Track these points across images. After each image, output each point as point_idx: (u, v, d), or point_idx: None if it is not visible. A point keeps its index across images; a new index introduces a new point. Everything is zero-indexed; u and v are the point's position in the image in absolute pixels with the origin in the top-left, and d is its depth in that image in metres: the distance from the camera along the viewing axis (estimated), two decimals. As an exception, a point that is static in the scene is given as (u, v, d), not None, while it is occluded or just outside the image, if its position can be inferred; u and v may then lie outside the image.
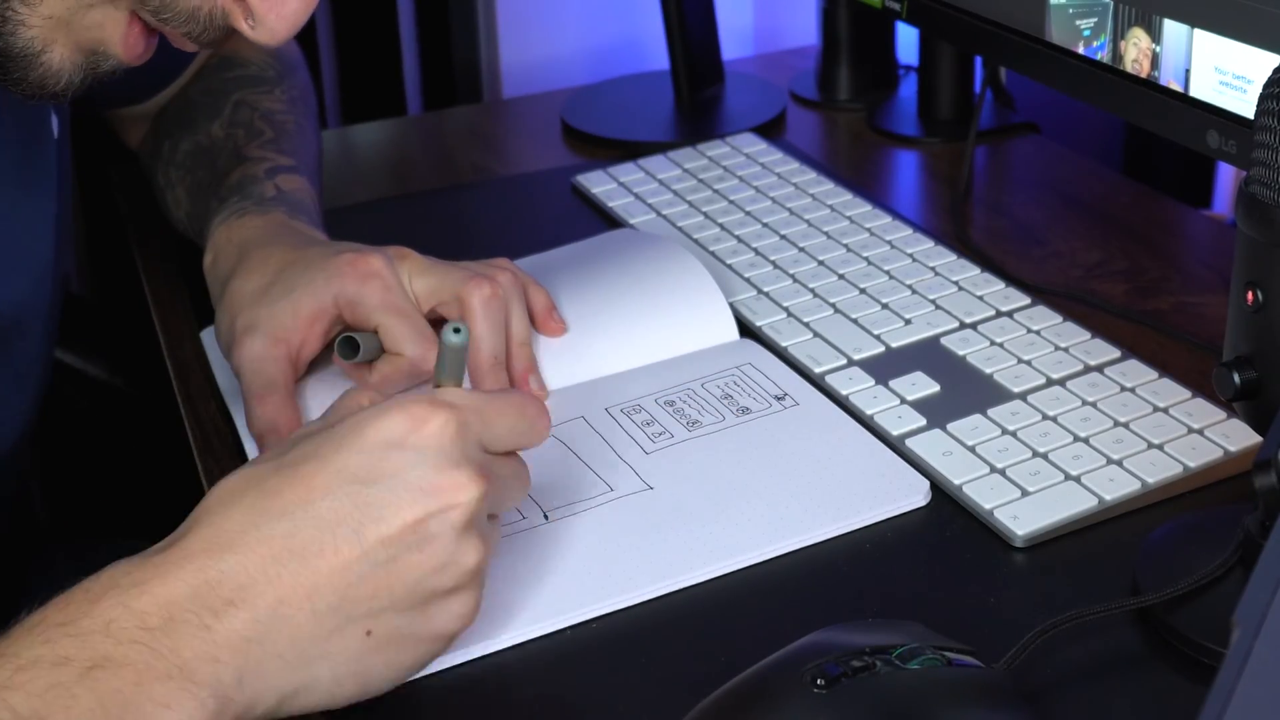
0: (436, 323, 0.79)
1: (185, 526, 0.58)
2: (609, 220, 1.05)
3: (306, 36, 1.49)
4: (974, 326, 0.86)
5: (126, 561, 0.56)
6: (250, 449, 0.77)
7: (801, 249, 0.97)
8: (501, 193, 1.13)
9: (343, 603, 0.57)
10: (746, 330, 0.88)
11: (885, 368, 0.83)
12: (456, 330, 0.61)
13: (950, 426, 0.76)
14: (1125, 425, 0.75)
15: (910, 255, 0.95)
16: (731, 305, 0.88)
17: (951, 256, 0.94)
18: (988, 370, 0.81)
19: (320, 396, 0.79)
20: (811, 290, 0.92)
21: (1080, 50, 0.87)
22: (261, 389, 0.76)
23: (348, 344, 0.77)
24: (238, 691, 0.55)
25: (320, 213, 0.91)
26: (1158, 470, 0.72)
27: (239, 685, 0.55)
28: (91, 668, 0.52)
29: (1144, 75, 0.82)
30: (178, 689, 0.53)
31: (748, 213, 1.03)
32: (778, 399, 0.80)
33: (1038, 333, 0.85)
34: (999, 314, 0.87)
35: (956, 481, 0.72)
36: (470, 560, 0.59)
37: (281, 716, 0.58)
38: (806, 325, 0.88)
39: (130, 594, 0.54)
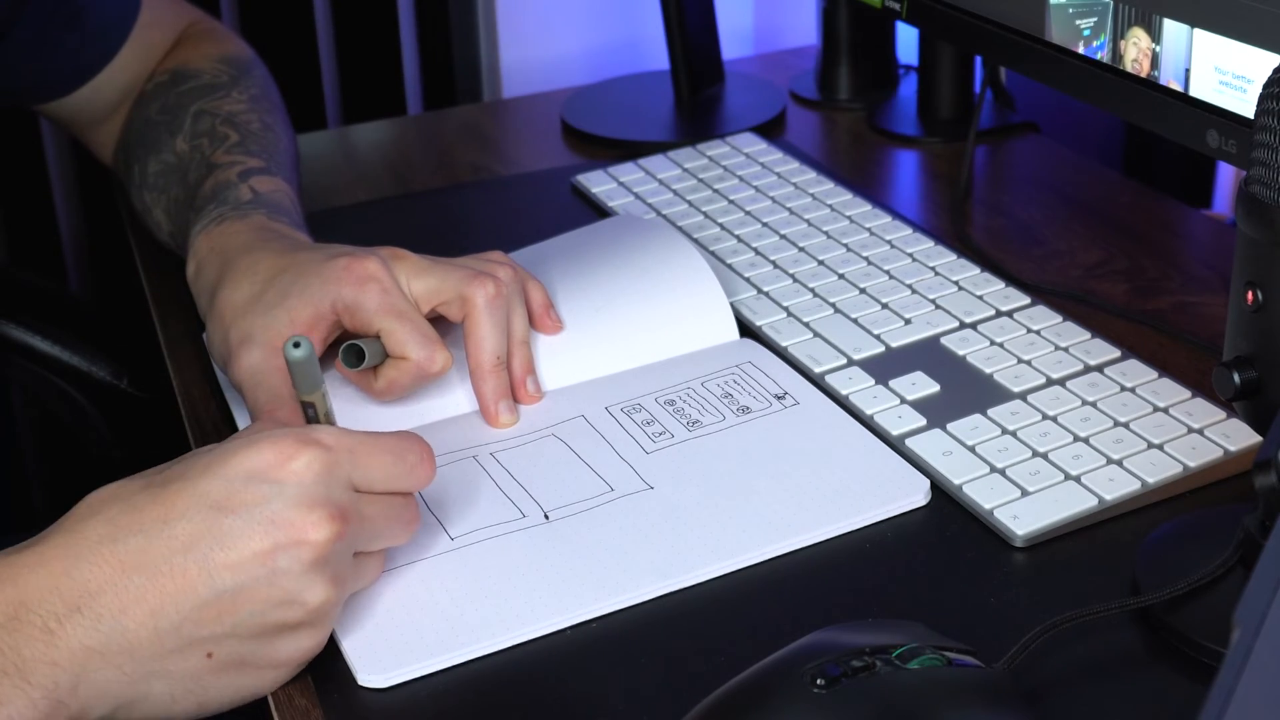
0: (437, 323, 0.78)
1: (50, 530, 0.59)
2: (609, 220, 1.05)
3: (307, 36, 1.49)
4: (974, 326, 0.86)
5: None
6: None
7: (801, 249, 0.97)
8: (501, 193, 1.13)
9: (184, 623, 0.58)
10: (747, 330, 0.88)
11: (885, 367, 0.83)
12: (296, 345, 0.63)
13: (950, 426, 0.76)
14: (1125, 425, 0.75)
15: (910, 255, 0.95)
16: (732, 305, 0.88)
17: (951, 256, 0.94)
18: (988, 370, 0.81)
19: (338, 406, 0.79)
20: (811, 290, 0.92)
21: (1080, 50, 0.87)
22: (268, 402, 0.75)
23: (352, 351, 0.76)
24: (72, 697, 0.57)
25: (300, 211, 0.90)
26: (1158, 470, 0.72)
27: (74, 691, 0.57)
28: None
29: (1144, 75, 0.82)
30: (11, 687, 0.55)
31: (748, 212, 1.03)
32: (778, 398, 0.80)
33: (1038, 332, 0.85)
34: (999, 314, 0.87)
35: (956, 481, 0.72)
36: (315, 599, 0.60)
37: None
38: (806, 325, 0.88)
39: None
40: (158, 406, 1.11)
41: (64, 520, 0.59)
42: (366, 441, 0.62)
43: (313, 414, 0.66)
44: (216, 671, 0.59)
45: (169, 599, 0.58)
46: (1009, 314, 0.87)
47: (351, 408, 0.79)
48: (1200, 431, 0.75)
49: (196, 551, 0.58)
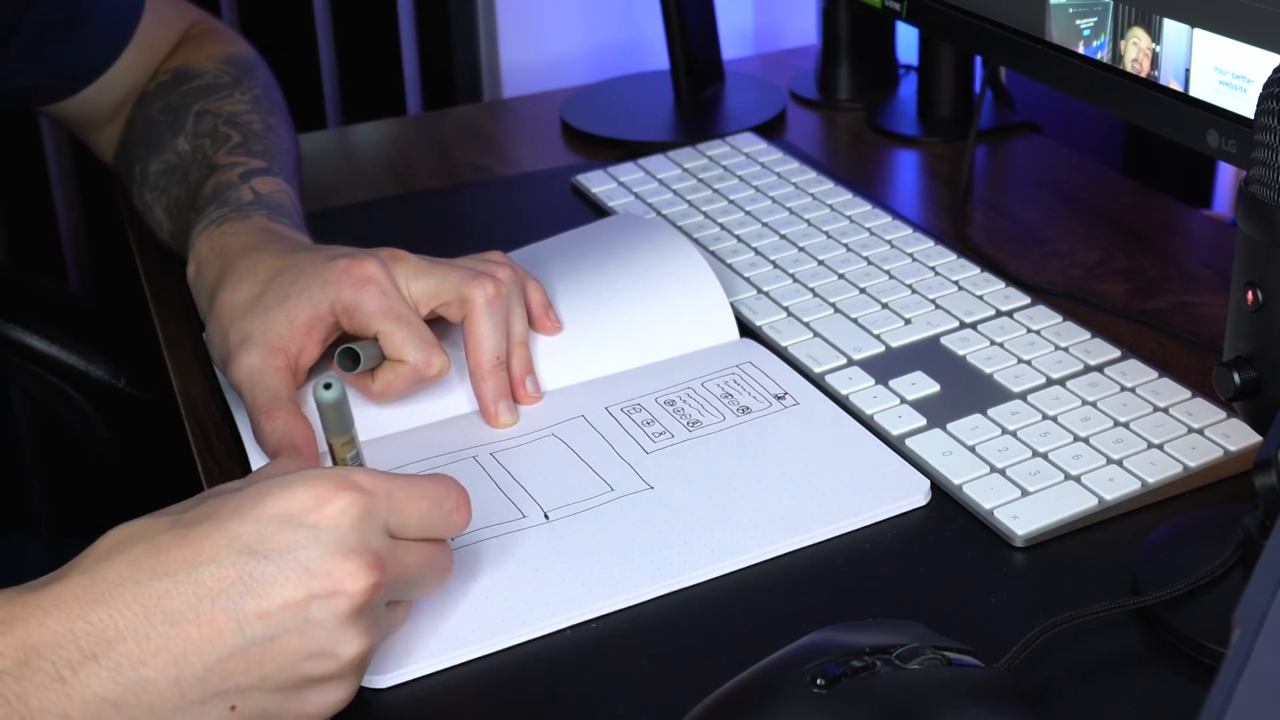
0: (435, 324, 0.78)
1: (67, 568, 0.56)
2: (609, 220, 1.05)
3: (306, 36, 1.49)
4: (974, 326, 0.86)
5: (2, 592, 0.54)
6: (255, 455, 0.77)
7: (801, 248, 0.97)
8: (501, 193, 1.13)
9: (209, 675, 0.54)
10: (747, 330, 0.88)
11: (885, 367, 0.83)
12: (327, 386, 0.60)
13: (950, 426, 0.76)
14: (1125, 425, 0.75)
15: (910, 255, 0.95)
16: (732, 305, 0.88)
17: (951, 256, 0.94)
18: (988, 370, 0.81)
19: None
20: (811, 290, 0.92)
21: (1080, 50, 0.87)
22: (266, 403, 0.75)
23: (348, 355, 0.76)
24: None
25: (301, 212, 0.90)
26: (1158, 470, 0.72)
27: None
28: None
29: (1144, 75, 0.82)
30: None
31: (748, 212, 1.03)
32: (778, 398, 0.80)
33: (1038, 332, 0.85)
34: (999, 314, 0.87)
35: (956, 481, 0.72)
36: (350, 652, 0.56)
37: None
38: (806, 325, 0.88)
39: None
40: (155, 406, 1.11)
41: (82, 559, 0.55)
42: (404, 486, 0.59)
43: (341, 457, 0.64)
44: None
45: (194, 649, 0.54)
46: (1009, 314, 0.87)
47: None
48: (1200, 431, 0.75)
49: (226, 599, 0.54)
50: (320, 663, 0.56)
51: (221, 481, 0.77)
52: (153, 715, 0.54)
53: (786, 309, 0.89)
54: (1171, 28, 0.80)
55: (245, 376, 0.76)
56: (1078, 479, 0.72)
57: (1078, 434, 0.75)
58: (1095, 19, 0.85)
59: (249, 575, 0.55)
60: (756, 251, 0.97)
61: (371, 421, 0.78)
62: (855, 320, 0.88)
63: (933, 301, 0.89)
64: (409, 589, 0.60)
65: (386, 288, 0.76)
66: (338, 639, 0.56)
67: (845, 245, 0.97)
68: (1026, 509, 0.70)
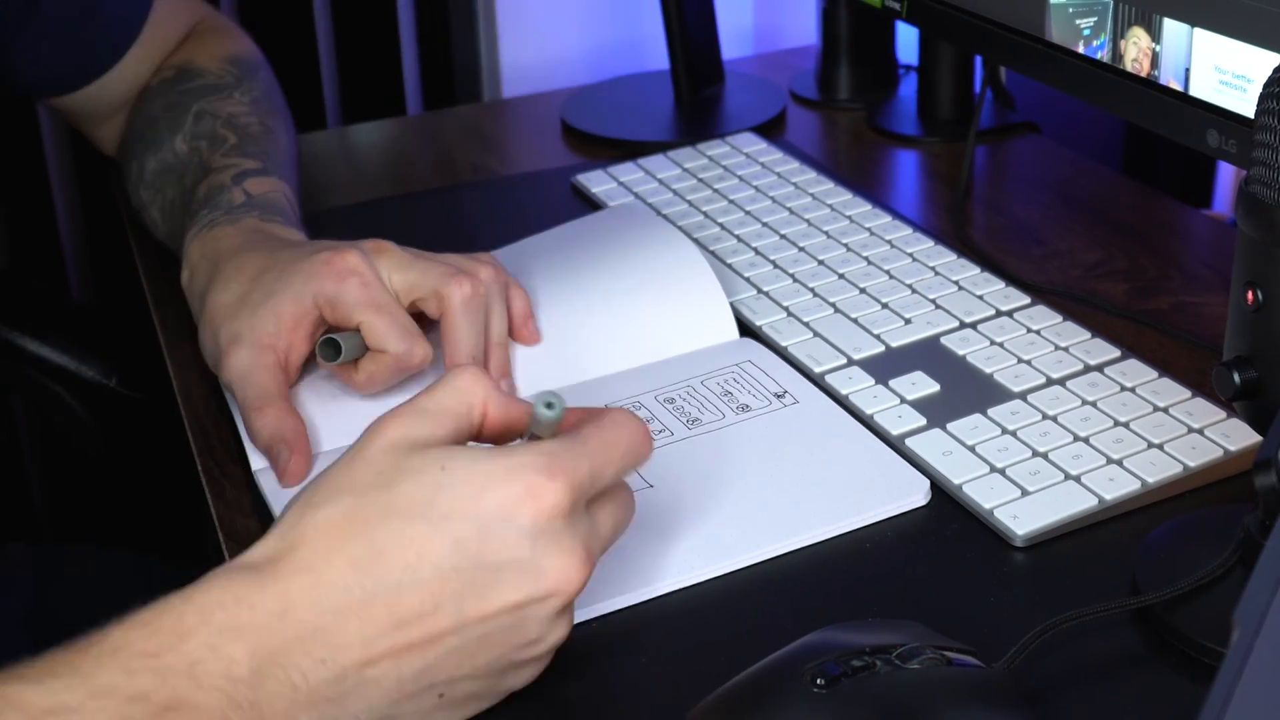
0: (417, 317, 0.78)
1: (281, 551, 0.55)
2: (609, 220, 1.05)
3: (306, 36, 1.49)
4: (974, 326, 0.86)
5: (219, 587, 0.54)
6: (255, 455, 0.77)
7: (801, 248, 0.97)
8: (501, 193, 1.13)
9: (427, 670, 0.56)
10: (747, 330, 0.88)
11: (885, 367, 0.83)
12: (550, 405, 0.58)
13: (950, 426, 0.76)
14: (1125, 425, 0.75)
15: (910, 255, 0.95)
16: (731, 305, 0.88)
17: (951, 256, 0.94)
18: (988, 370, 0.81)
19: (316, 400, 0.79)
20: (811, 290, 0.92)
21: (1080, 49, 0.87)
22: (258, 400, 0.75)
23: (329, 346, 0.76)
24: None
25: (297, 211, 0.90)
26: (1158, 470, 0.72)
27: None
28: (166, 709, 0.51)
29: (1144, 74, 0.82)
30: None
31: (748, 212, 1.03)
32: (778, 397, 0.80)
33: (1038, 332, 0.85)
34: (999, 313, 0.87)
35: (956, 481, 0.72)
36: (555, 638, 0.59)
37: None
38: (806, 325, 0.88)
39: (222, 636, 0.53)
40: (147, 406, 1.11)
41: (294, 545, 0.55)
42: (600, 449, 0.59)
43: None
44: (444, 707, 0.58)
45: (417, 651, 0.55)
46: (1009, 314, 0.87)
47: (335, 403, 0.79)
48: (1200, 431, 0.75)
49: (450, 605, 0.55)
50: (527, 650, 0.58)
51: (221, 481, 0.78)
52: (370, 709, 0.56)
53: (786, 309, 0.89)
54: (1171, 27, 0.80)
55: (236, 375, 0.76)
56: (1078, 479, 0.72)
57: (1078, 434, 0.75)
58: (1095, 19, 0.85)
59: (471, 581, 0.56)
60: (756, 251, 0.97)
61: (355, 414, 0.78)
62: (855, 320, 0.88)
63: (933, 301, 0.89)
64: (608, 548, 0.61)
65: (368, 279, 0.76)
66: (548, 631, 0.58)
67: (845, 245, 0.97)
68: (1026, 509, 0.70)
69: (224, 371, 0.77)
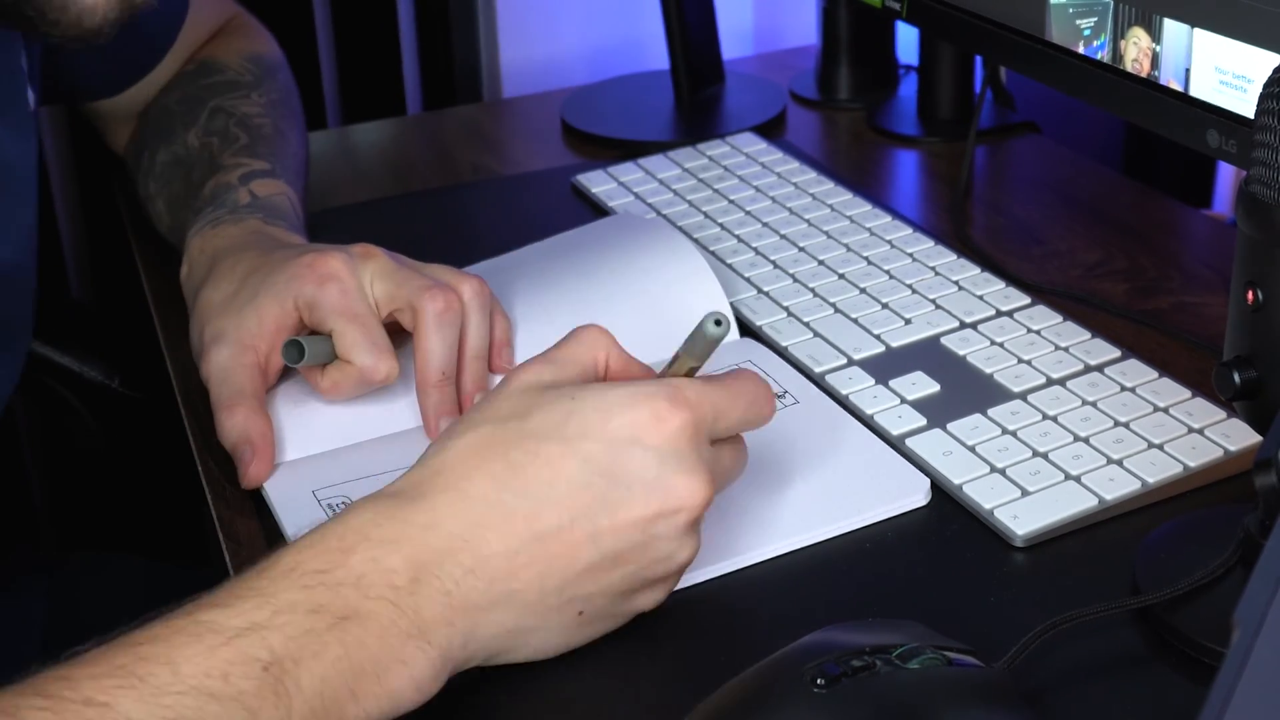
0: (394, 327, 0.78)
1: (425, 476, 0.60)
2: (609, 220, 1.05)
3: (306, 36, 1.49)
4: (974, 326, 0.86)
5: (372, 509, 0.58)
6: None
7: (801, 248, 0.97)
8: (501, 193, 1.13)
9: (566, 584, 0.59)
10: (747, 330, 0.88)
11: (885, 367, 0.83)
12: (718, 323, 0.62)
13: (950, 426, 0.76)
14: (1125, 425, 0.75)
15: (910, 255, 0.95)
16: (732, 305, 0.88)
17: (951, 256, 0.94)
18: (988, 370, 0.81)
19: (293, 402, 0.79)
20: (811, 290, 0.92)
21: (1080, 50, 0.87)
22: (229, 398, 0.75)
23: (293, 347, 0.76)
24: (460, 651, 0.58)
25: (302, 215, 0.91)
26: (1158, 470, 0.72)
27: (464, 646, 0.58)
28: (342, 619, 0.55)
29: (1144, 75, 0.82)
30: (415, 648, 0.56)
31: (748, 212, 1.03)
32: (778, 397, 0.80)
33: (1038, 332, 0.85)
34: (999, 314, 0.87)
35: (956, 481, 0.72)
36: (684, 557, 0.62)
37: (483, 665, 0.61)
38: (807, 325, 0.88)
39: (381, 549, 0.57)
40: (150, 406, 1.11)
41: (438, 469, 0.59)
42: (724, 392, 0.62)
43: (678, 372, 0.65)
44: (583, 625, 0.61)
45: (557, 564, 0.59)
46: (1009, 314, 0.87)
47: (307, 410, 0.78)
48: (1200, 431, 0.75)
49: (584, 518, 0.59)
50: (657, 567, 0.61)
51: (218, 477, 0.78)
52: (518, 620, 0.59)
53: (786, 309, 0.89)
54: (1171, 27, 0.80)
55: (214, 371, 0.76)
56: (1078, 479, 0.72)
57: (1078, 434, 0.75)
58: (1095, 19, 0.85)
59: (603, 496, 0.59)
60: (756, 251, 0.97)
61: (358, 426, 0.78)
62: (855, 320, 0.88)
63: (933, 301, 0.89)
64: (725, 487, 0.65)
65: (347, 286, 0.76)
66: (675, 548, 0.61)
67: (845, 245, 0.97)
68: (1026, 509, 0.70)
69: (203, 367, 0.77)
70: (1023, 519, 0.69)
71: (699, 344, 0.63)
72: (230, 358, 0.76)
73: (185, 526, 1.23)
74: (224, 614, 0.54)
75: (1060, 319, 0.86)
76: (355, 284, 0.76)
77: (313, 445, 0.77)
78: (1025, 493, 0.71)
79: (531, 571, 0.59)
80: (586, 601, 0.61)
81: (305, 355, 0.75)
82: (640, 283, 0.86)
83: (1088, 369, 0.81)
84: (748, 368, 0.83)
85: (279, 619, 0.54)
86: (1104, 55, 0.85)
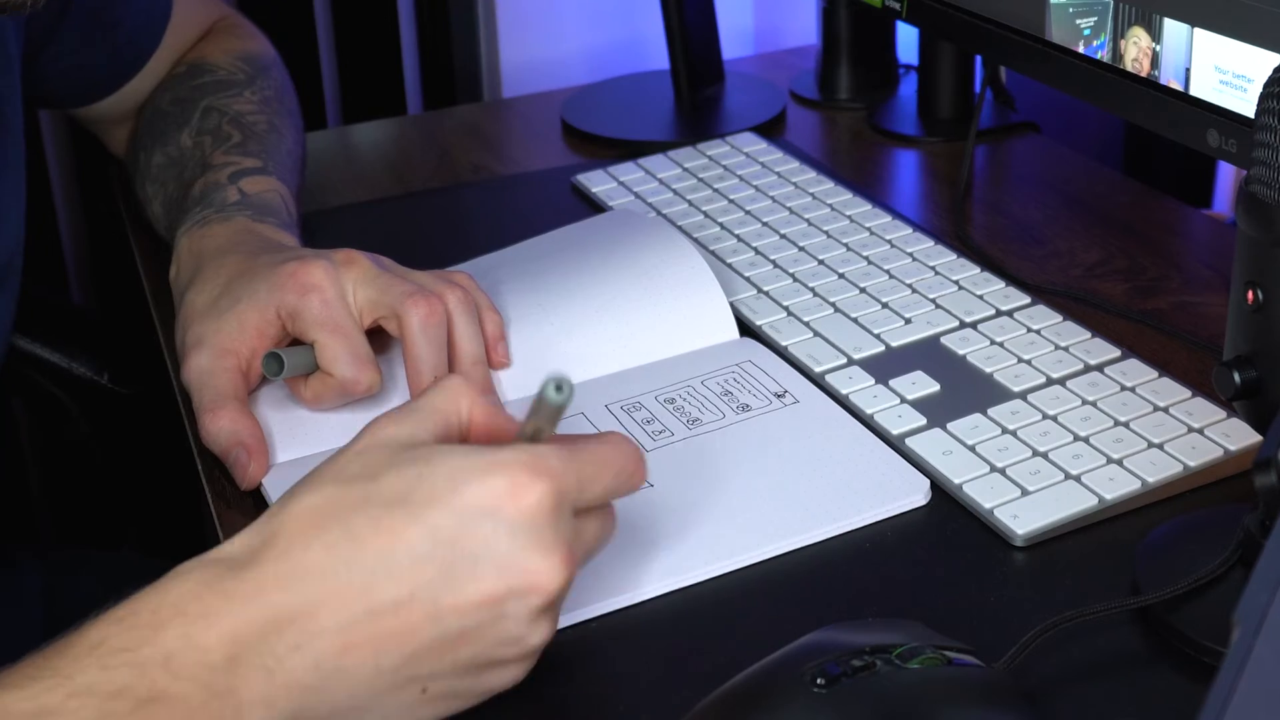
0: (378, 334, 0.77)
1: (258, 542, 0.55)
2: (609, 220, 1.05)
3: (306, 36, 1.49)
4: (974, 326, 0.86)
5: (194, 578, 0.54)
6: None
7: (801, 248, 0.97)
8: (501, 192, 1.13)
9: (406, 663, 0.55)
10: (747, 329, 0.88)
11: (885, 367, 0.83)
12: (559, 389, 0.56)
13: (950, 426, 0.76)
14: (1125, 424, 0.75)
15: (910, 254, 0.95)
16: (731, 304, 0.88)
17: (951, 256, 0.94)
18: (988, 369, 0.81)
19: (276, 407, 0.79)
20: (811, 289, 0.92)
21: (1080, 49, 0.87)
22: (211, 402, 0.75)
23: (273, 360, 0.75)
24: None
25: (295, 211, 0.90)
26: (1158, 469, 0.72)
27: None
28: (146, 701, 0.51)
29: (1144, 74, 0.82)
30: None
31: (748, 212, 1.03)
32: (778, 396, 0.80)
33: (1038, 332, 0.85)
34: (999, 313, 0.87)
35: (956, 481, 0.72)
36: (537, 640, 0.57)
37: None
38: (806, 324, 0.88)
39: (196, 625, 0.53)
40: (141, 402, 1.11)
41: (273, 535, 0.55)
42: (590, 460, 0.58)
43: (529, 437, 0.60)
44: (427, 703, 0.57)
45: (393, 641, 0.54)
46: (1009, 313, 0.87)
47: (293, 413, 0.78)
48: (1200, 431, 0.75)
49: (424, 593, 0.54)
50: (508, 649, 0.57)
51: (216, 475, 0.78)
52: (351, 699, 0.55)
53: (786, 308, 0.89)
54: (1171, 27, 0.80)
55: (195, 376, 0.76)
56: (1078, 478, 0.72)
57: (1078, 433, 0.75)
58: (1095, 18, 0.85)
59: (448, 570, 0.54)
60: (756, 251, 0.97)
61: (356, 426, 0.78)
62: (855, 320, 0.88)
63: (933, 301, 0.89)
64: (586, 561, 0.60)
65: (329, 296, 0.75)
66: (528, 630, 0.56)
67: (845, 245, 0.97)
68: (1026, 508, 0.70)
69: (183, 372, 0.77)
70: (1023, 518, 0.69)
71: (543, 411, 0.58)
72: (210, 362, 0.76)
73: (182, 522, 1.23)
74: (12, 697, 0.50)
75: (1060, 319, 0.86)
76: (337, 294, 0.75)
77: (305, 448, 0.77)
78: (1025, 492, 0.71)
79: (365, 650, 0.54)
80: (430, 680, 0.56)
81: (284, 368, 0.75)
82: (641, 284, 0.86)
83: (1088, 369, 0.81)
84: (747, 365, 0.83)
85: (72, 703, 0.50)
86: (1104, 55, 0.85)
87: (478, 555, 0.55)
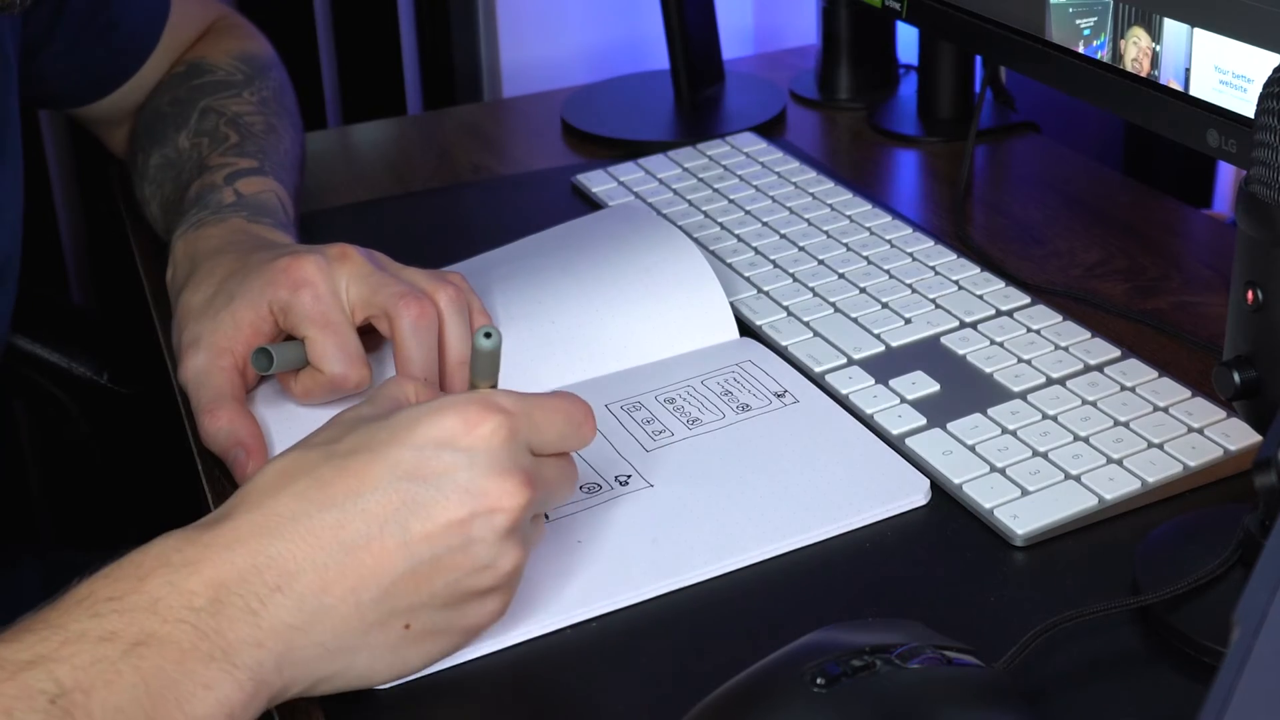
0: (368, 332, 0.77)
1: (232, 504, 0.58)
2: (609, 220, 1.05)
3: (306, 36, 1.49)
4: (974, 325, 0.86)
5: (176, 536, 0.57)
6: None
7: (801, 248, 0.97)
8: (501, 192, 1.13)
9: (385, 596, 0.57)
10: (747, 329, 0.88)
11: (885, 367, 0.83)
12: (488, 335, 0.61)
13: (950, 426, 0.76)
14: (1125, 424, 0.75)
15: (910, 254, 0.95)
16: (731, 304, 0.88)
17: (951, 256, 0.94)
18: (988, 369, 0.81)
19: (275, 406, 0.79)
20: (811, 289, 0.92)
21: (1080, 49, 0.87)
22: (209, 401, 0.75)
23: (262, 355, 0.76)
24: (276, 675, 0.56)
25: (292, 211, 0.90)
26: (1158, 469, 0.72)
27: (278, 670, 0.56)
28: (136, 644, 0.53)
29: (1144, 74, 0.82)
30: (219, 671, 0.54)
31: (748, 212, 1.03)
32: (778, 396, 0.80)
33: (1038, 332, 0.85)
34: (999, 313, 0.87)
35: (956, 481, 0.72)
36: (508, 564, 0.60)
37: (313, 696, 0.59)
38: (806, 324, 0.88)
39: (180, 573, 0.55)
40: (141, 401, 1.11)
41: (246, 494, 0.58)
42: (540, 405, 0.61)
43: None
44: (413, 641, 0.59)
45: (369, 574, 0.57)
46: (1009, 313, 0.87)
47: (291, 410, 0.78)
48: (1200, 431, 0.75)
49: (393, 524, 0.57)
50: (482, 576, 0.59)
51: (216, 475, 0.78)
52: (337, 638, 0.57)
53: (786, 308, 0.89)
54: (1171, 27, 0.80)
55: (191, 377, 0.76)
56: (1078, 478, 0.72)
57: (1078, 433, 0.75)
58: (1095, 18, 0.85)
59: (413, 500, 0.58)
60: (756, 251, 0.97)
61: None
62: (855, 320, 0.88)
63: (933, 301, 0.89)
64: (549, 501, 0.63)
65: (321, 292, 0.75)
66: (497, 553, 0.59)
67: (845, 245, 0.97)
68: (1026, 508, 0.70)
69: (180, 372, 0.77)
70: (1022, 518, 0.69)
71: (479, 362, 0.62)
72: (207, 361, 0.76)
73: (182, 523, 1.22)
74: (9, 649, 0.52)
75: (1060, 319, 0.86)
76: (328, 289, 0.75)
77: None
78: (1025, 492, 0.71)
79: (344, 585, 0.57)
80: (411, 615, 0.58)
81: (274, 363, 0.75)
82: (642, 283, 0.86)
83: (1087, 368, 0.81)
84: (747, 364, 0.83)
85: (66, 649, 0.52)
86: (1104, 55, 0.85)
87: (440, 483, 0.58)
